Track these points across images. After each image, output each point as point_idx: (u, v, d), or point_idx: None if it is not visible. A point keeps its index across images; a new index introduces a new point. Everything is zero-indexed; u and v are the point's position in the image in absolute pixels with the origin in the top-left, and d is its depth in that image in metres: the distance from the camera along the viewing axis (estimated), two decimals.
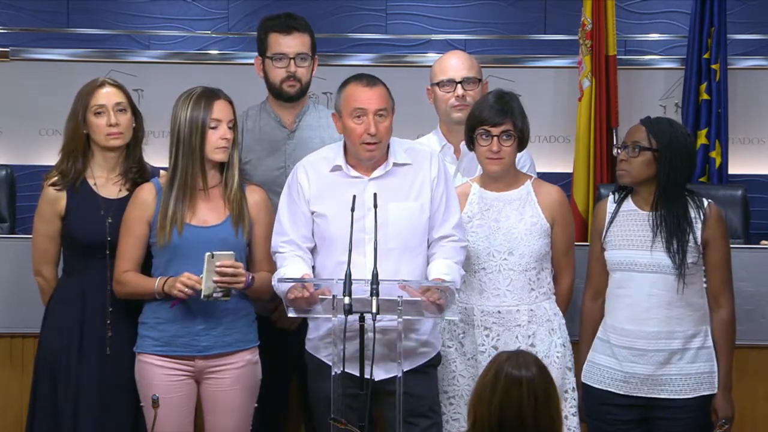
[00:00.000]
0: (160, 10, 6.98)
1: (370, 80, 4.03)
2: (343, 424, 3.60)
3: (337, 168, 4.06)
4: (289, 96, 4.57)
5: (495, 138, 4.16)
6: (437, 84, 4.65)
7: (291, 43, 4.56)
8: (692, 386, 4.03)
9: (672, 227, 4.01)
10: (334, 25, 6.91)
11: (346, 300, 3.65)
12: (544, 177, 4.52)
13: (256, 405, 4.18)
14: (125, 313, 4.17)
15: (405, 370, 3.87)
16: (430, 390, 4.09)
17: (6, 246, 4.81)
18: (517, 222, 4.21)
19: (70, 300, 4.21)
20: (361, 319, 3.70)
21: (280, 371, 4.45)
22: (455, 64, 4.66)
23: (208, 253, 3.95)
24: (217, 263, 3.95)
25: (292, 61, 4.55)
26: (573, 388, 4.21)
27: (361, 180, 4.03)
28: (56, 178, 4.24)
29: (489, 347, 4.18)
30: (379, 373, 3.89)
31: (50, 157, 4.40)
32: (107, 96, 4.22)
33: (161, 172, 4.23)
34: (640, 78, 6.90)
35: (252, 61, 4.71)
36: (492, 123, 4.17)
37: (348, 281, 3.67)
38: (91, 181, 4.24)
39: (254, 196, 4.19)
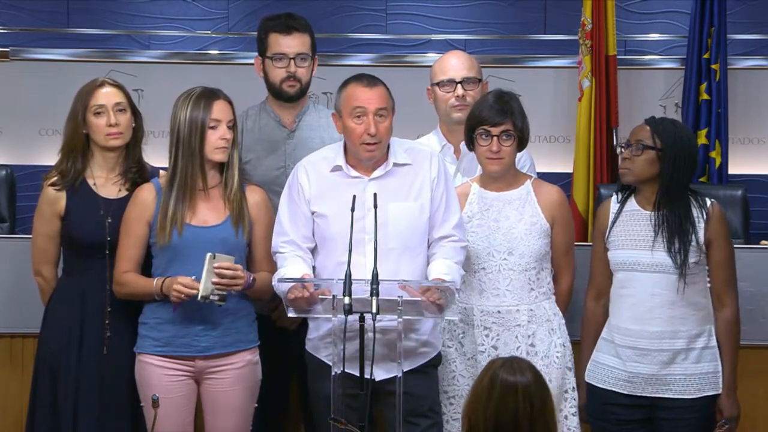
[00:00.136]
0: (160, 10, 6.98)
1: (371, 80, 4.03)
2: (343, 424, 3.60)
3: (337, 168, 4.06)
4: (288, 96, 4.57)
5: (495, 138, 4.16)
6: (437, 84, 4.65)
7: (291, 43, 4.56)
8: (696, 386, 4.03)
9: (674, 227, 4.01)
10: (334, 25, 6.91)
11: (346, 300, 3.64)
12: (544, 177, 4.52)
13: (256, 405, 4.18)
14: (124, 313, 4.17)
15: (405, 370, 3.87)
16: (430, 390, 4.09)
17: (6, 246, 4.81)
18: (517, 222, 4.21)
19: (69, 300, 4.21)
20: (361, 319, 3.70)
21: (280, 371, 4.45)
22: (455, 64, 4.66)
23: (209, 254, 3.95)
24: (216, 265, 3.95)
25: (292, 61, 4.55)
26: (573, 387, 4.21)
27: (361, 180, 4.03)
28: (56, 178, 4.24)
29: (489, 347, 4.18)
30: (380, 373, 3.89)
31: (50, 157, 4.40)
32: (107, 96, 4.22)
33: (161, 172, 4.23)
34: (640, 78, 6.90)
35: (252, 61, 4.71)
36: (492, 123, 4.17)
37: (348, 281, 3.67)
38: (90, 181, 4.24)
39: (254, 196, 4.19)
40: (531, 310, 4.19)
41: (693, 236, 4.01)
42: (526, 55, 6.93)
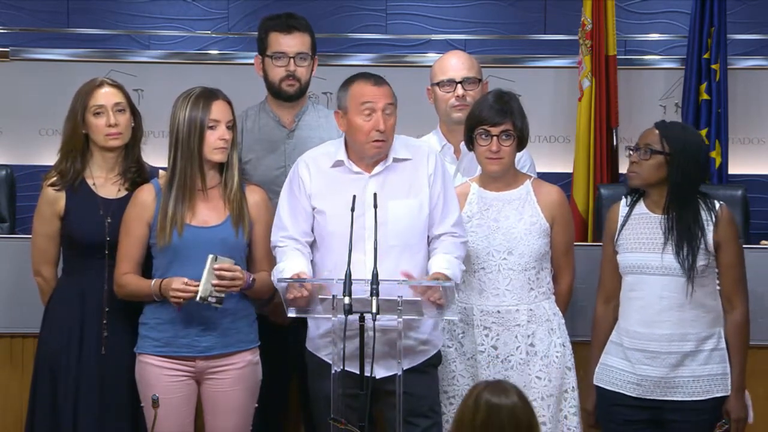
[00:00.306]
0: (160, 10, 6.98)
1: (377, 78, 4.06)
2: (343, 424, 3.60)
3: (338, 163, 4.06)
4: (288, 95, 4.57)
5: (494, 138, 4.16)
6: (437, 84, 4.65)
7: (291, 43, 4.56)
8: (705, 388, 4.02)
9: (682, 231, 4.00)
10: (334, 25, 6.91)
11: (346, 300, 3.64)
12: (544, 177, 4.52)
13: (256, 405, 4.18)
14: (122, 313, 4.17)
15: (405, 368, 3.87)
16: (430, 390, 4.09)
17: (6, 246, 4.81)
18: (517, 222, 4.21)
19: (69, 300, 4.21)
20: (361, 319, 3.70)
21: (280, 371, 4.45)
22: (455, 64, 4.66)
23: (211, 255, 3.95)
24: (216, 266, 3.95)
25: (292, 60, 4.55)
26: (573, 387, 4.21)
27: (362, 176, 4.03)
28: (55, 178, 4.24)
29: (488, 347, 4.18)
30: (379, 371, 3.89)
31: (50, 157, 4.40)
32: (106, 96, 4.22)
33: (160, 172, 4.22)
34: (640, 78, 6.90)
35: (252, 61, 4.71)
36: (491, 123, 4.17)
37: (348, 281, 3.67)
38: (90, 181, 4.24)
39: (254, 196, 4.19)
40: (531, 309, 4.19)
41: (702, 239, 4.01)
42: (526, 55, 6.93)
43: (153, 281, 4.06)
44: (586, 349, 4.29)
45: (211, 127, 4.07)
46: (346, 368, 3.81)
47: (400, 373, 3.83)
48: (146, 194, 4.15)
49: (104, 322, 4.18)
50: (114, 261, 4.14)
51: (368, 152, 4.01)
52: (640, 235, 4.08)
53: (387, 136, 4.00)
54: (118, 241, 4.14)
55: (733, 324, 4.06)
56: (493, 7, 6.99)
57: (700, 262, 4.00)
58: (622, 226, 4.12)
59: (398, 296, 3.77)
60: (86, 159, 4.25)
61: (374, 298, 3.65)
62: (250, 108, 4.65)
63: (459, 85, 4.61)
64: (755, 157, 6.90)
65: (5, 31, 6.88)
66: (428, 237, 4.07)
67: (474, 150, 4.24)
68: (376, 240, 3.74)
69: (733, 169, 6.68)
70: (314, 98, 5.08)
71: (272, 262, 4.09)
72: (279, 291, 3.93)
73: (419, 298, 3.80)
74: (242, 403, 4.14)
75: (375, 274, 3.66)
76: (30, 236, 4.37)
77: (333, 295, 3.77)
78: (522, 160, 4.50)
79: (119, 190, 4.25)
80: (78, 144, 4.23)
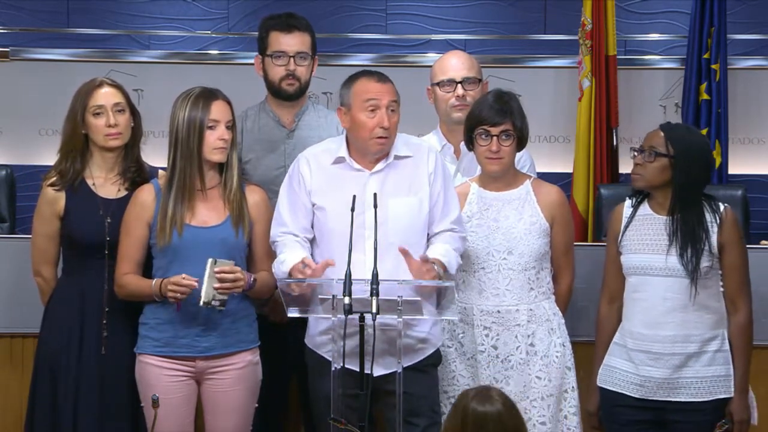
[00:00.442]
0: (160, 10, 6.98)
1: (381, 76, 4.07)
2: (343, 424, 3.60)
3: (339, 160, 4.06)
4: (287, 94, 4.57)
5: (494, 138, 4.16)
6: (437, 84, 4.65)
7: (291, 42, 4.56)
8: (708, 389, 4.02)
9: (687, 233, 4.00)
10: (334, 25, 6.92)
11: (346, 300, 3.64)
12: (544, 177, 4.52)
13: (256, 405, 4.18)
14: (123, 314, 4.17)
15: (404, 366, 3.87)
16: (430, 390, 4.09)
17: (6, 246, 4.81)
18: (517, 221, 4.21)
19: (69, 300, 4.21)
20: (361, 319, 3.70)
21: (280, 371, 4.45)
22: (455, 64, 4.66)
23: (210, 259, 3.95)
24: (217, 269, 3.95)
25: (292, 60, 4.55)
26: (573, 387, 4.21)
27: (363, 174, 4.03)
28: (55, 178, 4.24)
29: (488, 347, 4.18)
30: (378, 369, 3.89)
31: (50, 157, 4.40)
32: (106, 96, 4.22)
33: (160, 172, 4.22)
34: (640, 78, 6.90)
35: (252, 61, 4.71)
36: (491, 123, 4.17)
37: (348, 281, 3.67)
38: (89, 181, 4.24)
39: (254, 196, 4.19)
40: (530, 309, 4.19)
41: (706, 241, 4.00)
42: (526, 55, 6.94)
43: (153, 281, 4.06)
44: (586, 349, 4.30)
45: (210, 127, 4.07)
46: (345, 365, 3.81)
47: (400, 371, 3.83)
48: (146, 194, 4.15)
49: (104, 322, 4.18)
50: (114, 261, 4.14)
51: (371, 149, 4.02)
52: (644, 236, 4.08)
53: (390, 133, 4.00)
54: (118, 241, 4.14)
55: (736, 326, 4.05)
56: (493, 7, 7.00)
57: (704, 263, 4.00)
58: (626, 227, 4.12)
59: (398, 296, 3.78)
60: (86, 159, 4.25)
61: (374, 298, 3.65)
62: (249, 108, 4.65)
63: (459, 85, 4.61)
64: (755, 157, 6.90)
65: (5, 31, 6.89)
66: (428, 235, 4.07)
67: (474, 150, 4.24)
68: (376, 240, 3.74)
69: (733, 169, 6.68)
70: (314, 98, 5.08)
71: (272, 260, 4.09)
72: (279, 290, 3.93)
73: (419, 298, 3.80)
74: (242, 403, 4.14)
75: (375, 274, 3.66)
76: (30, 236, 4.38)
77: (333, 295, 3.77)
78: (522, 160, 4.50)
79: (119, 190, 4.25)
80: (78, 144, 4.23)
